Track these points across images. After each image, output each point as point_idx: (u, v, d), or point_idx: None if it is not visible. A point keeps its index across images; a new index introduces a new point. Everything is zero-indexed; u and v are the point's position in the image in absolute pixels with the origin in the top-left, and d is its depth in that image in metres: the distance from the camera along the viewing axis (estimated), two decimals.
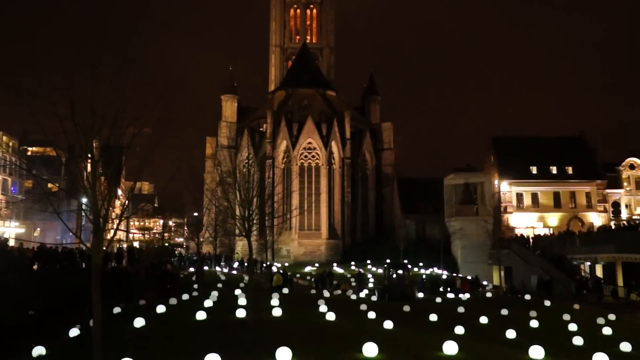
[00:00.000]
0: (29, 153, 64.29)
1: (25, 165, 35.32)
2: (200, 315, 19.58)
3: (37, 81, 11.49)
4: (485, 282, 47.77)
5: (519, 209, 75.31)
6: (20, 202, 53.09)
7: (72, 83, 11.47)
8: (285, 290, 33.09)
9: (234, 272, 52.14)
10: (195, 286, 34.19)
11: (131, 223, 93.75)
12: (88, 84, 11.59)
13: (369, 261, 61.28)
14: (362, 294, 36.07)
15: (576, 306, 30.31)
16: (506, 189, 75.31)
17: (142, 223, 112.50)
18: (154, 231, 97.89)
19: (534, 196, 75.54)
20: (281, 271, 45.08)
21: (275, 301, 24.18)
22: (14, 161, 49.33)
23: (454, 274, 51.95)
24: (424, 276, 48.76)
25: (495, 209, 69.16)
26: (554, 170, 75.76)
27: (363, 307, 25.29)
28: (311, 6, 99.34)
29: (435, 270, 54.92)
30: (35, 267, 28.49)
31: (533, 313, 25.08)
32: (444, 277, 49.42)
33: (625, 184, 76.23)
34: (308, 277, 49.94)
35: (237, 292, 29.34)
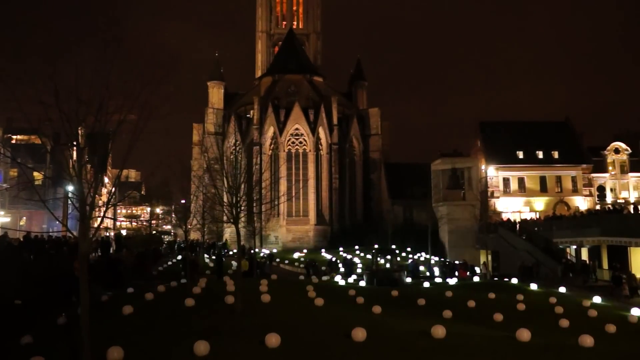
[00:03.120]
0: (14, 141, 63.62)
1: (9, 153, 34.94)
2: (189, 302, 19.56)
3: (20, 67, 11.34)
4: (477, 269, 47.94)
5: (505, 193, 75.81)
6: (5, 191, 52.56)
7: (55, 69, 11.32)
8: (274, 277, 33.10)
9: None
10: (183, 273, 34.15)
11: (118, 211, 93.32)
12: (72, 70, 11.44)
13: (357, 247, 61.45)
14: (351, 279, 36.20)
15: (562, 289, 30.61)
16: (493, 173, 75.72)
17: (129, 211, 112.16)
18: (142, 219, 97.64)
19: (521, 181, 76.07)
20: (267, 256, 45.10)
21: (264, 287, 24.21)
22: None
23: (449, 260, 52.13)
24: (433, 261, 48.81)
25: (482, 194, 69.57)
26: (540, 154, 76.28)
27: (351, 292, 25.38)
28: None
29: (424, 255, 55.18)
30: (25, 257, 28.31)
31: (520, 296, 25.32)
32: (432, 262, 49.65)
33: (610, 168, 76.86)
34: (296, 264, 50.04)
35: (226, 278, 29.33)
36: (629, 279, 33.35)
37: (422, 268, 45.88)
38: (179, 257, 47.77)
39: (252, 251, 42.69)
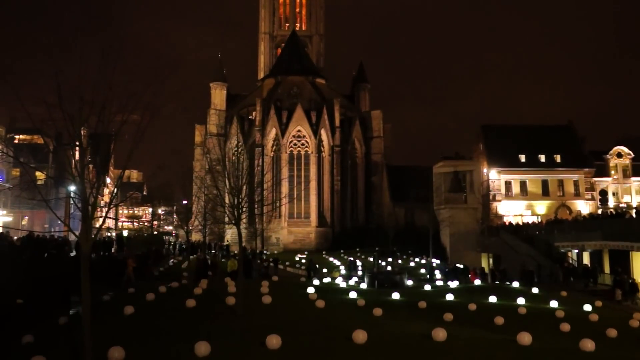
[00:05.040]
0: (16, 141, 63.75)
1: (12, 153, 35.02)
2: (190, 303, 19.56)
3: (23, 67, 11.37)
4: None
5: (507, 197, 75.76)
6: (7, 191, 52.66)
7: (59, 69, 11.34)
8: (275, 278, 33.08)
9: (223, 260, 52.08)
10: (185, 274, 34.17)
11: (120, 211, 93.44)
12: (76, 70, 11.46)
13: (358, 249, 61.41)
14: (352, 282, 36.18)
15: (564, 293, 30.57)
16: (495, 177, 75.69)
17: (131, 211, 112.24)
18: (143, 219, 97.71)
19: (523, 184, 76.05)
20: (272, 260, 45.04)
21: (265, 289, 24.21)
22: (1, 149, 48.90)
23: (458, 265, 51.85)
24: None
25: (484, 197, 69.48)
26: (543, 158, 76.24)
27: (352, 294, 25.37)
28: None
29: (425, 258, 55.14)
30: (27, 256, 28.32)
31: (521, 300, 25.29)
32: (433, 265, 49.56)
33: (612, 172, 76.79)
34: (297, 265, 50.03)
35: (227, 279, 29.34)
36: (621, 283, 33.34)
37: (422, 271, 45.76)
38: (178, 257, 47.74)
39: (245, 252, 42.69)
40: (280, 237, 74.80)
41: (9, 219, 55.87)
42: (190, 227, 39.77)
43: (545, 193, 75.68)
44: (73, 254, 31.98)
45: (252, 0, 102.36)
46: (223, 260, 46.02)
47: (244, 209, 21.61)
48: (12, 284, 22.76)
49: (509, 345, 15.12)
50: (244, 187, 22.48)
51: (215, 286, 26.25)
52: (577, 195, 75.54)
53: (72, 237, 31.78)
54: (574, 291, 33.56)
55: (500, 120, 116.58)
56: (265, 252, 60.05)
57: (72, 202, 13.70)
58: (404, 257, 55.95)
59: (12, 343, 14.55)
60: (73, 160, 12.18)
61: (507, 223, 64.03)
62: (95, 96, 11.83)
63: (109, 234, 55.36)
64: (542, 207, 75.14)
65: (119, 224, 79.57)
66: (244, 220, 23.12)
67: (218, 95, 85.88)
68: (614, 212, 54.32)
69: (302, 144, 77.39)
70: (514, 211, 74.70)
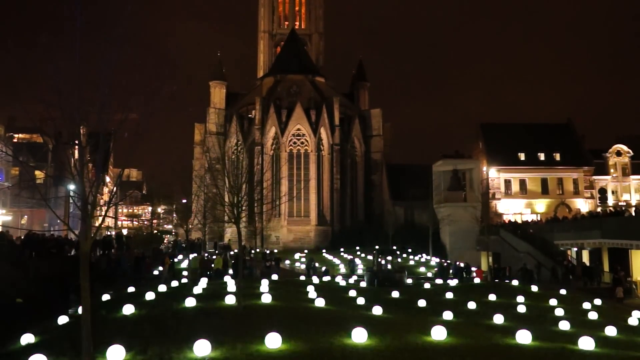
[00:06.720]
0: (15, 140, 63.73)
1: (11, 152, 35.00)
2: (190, 302, 19.55)
3: (22, 66, 11.34)
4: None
5: (507, 195, 75.81)
6: (7, 190, 52.59)
7: (58, 67, 11.31)
8: (274, 277, 33.04)
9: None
10: (185, 273, 34.16)
11: (119, 210, 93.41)
12: (74, 68, 11.43)
13: (357, 247, 61.43)
14: (352, 280, 36.16)
15: (563, 291, 30.59)
16: (494, 175, 75.74)
17: (130, 210, 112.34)
18: (143, 218, 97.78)
19: (522, 182, 76.14)
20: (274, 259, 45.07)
21: (264, 287, 24.20)
22: (0, 148, 48.87)
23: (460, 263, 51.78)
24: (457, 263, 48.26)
25: (483, 196, 69.52)
26: (542, 156, 76.34)
27: (352, 293, 25.36)
28: None
29: (425, 256, 55.17)
30: (27, 255, 28.30)
31: (520, 299, 25.30)
32: (432, 263, 49.58)
33: (612, 170, 76.86)
34: (297, 264, 50.03)
35: (226, 278, 29.33)
36: (620, 281, 33.38)
37: (422, 269, 45.65)
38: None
39: (233, 251, 42.55)
40: (279, 235, 74.77)
41: (9, 218, 55.76)
42: (190, 226, 39.81)
43: (545, 191, 75.81)
44: (73, 253, 31.97)
45: None
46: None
47: (244, 208, 21.60)
48: (12, 283, 22.76)
49: (509, 344, 15.13)
50: (244, 186, 22.46)
51: (215, 285, 26.24)
52: (577, 193, 75.65)
53: (72, 236, 31.78)
54: (573, 289, 33.59)
55: (500, 119, 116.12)
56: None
57: (71, 201, 13.70)
58: (404, 255, 55.93)
59: (12, 343, 14.55)
60: (72, 159, 12.18)
61: (506, 221, 64.13)
62: (94, 94, 11.82)
63: (109, 233, 55.32)
64: (541, 205, 75.24)
65: (119, 223, 79.57)
66: (244, 219, 23.12)
67: (217, 94, 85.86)
68: (613, 211, 54.41)
69: (302, 143, 77.36)
70: (513, 209, 74.77)
